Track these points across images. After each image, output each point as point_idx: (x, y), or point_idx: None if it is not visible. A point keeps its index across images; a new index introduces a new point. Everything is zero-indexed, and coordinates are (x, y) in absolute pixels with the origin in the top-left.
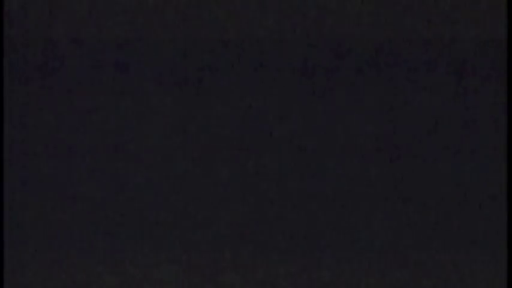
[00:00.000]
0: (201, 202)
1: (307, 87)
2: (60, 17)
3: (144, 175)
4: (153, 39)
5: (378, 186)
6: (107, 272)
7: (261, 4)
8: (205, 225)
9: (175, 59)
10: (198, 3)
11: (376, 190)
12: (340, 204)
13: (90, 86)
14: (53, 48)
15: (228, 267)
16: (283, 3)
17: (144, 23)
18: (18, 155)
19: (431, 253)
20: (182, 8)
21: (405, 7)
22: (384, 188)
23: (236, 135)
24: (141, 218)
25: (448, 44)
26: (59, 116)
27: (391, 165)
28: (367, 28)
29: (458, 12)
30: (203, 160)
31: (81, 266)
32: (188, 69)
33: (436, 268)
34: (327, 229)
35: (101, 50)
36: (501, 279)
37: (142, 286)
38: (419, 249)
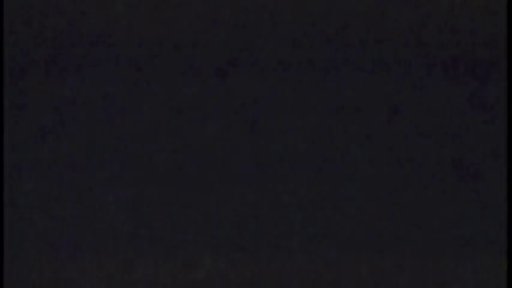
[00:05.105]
0: (201, 202)
1: (307, 87)
2: (60, 16)
3: (144, 175)
4: (153, 39)
5: (377, 186)
6: (108, 272)
7: (261, 4)
8: (206, 225)
9: (176, 59)
10: (199, 3)
11: (375, 191)
12: (339, 204)
13: (91, 86)
14: (53, 47)
15: (227, 267)
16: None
17: (144, 23)
18: (18, 155)
19: (431, 253)
20: (182, 8)
21: (404, 7)
22: (382, 189)
23: (235, 134)
24: (141, 219)
25: (448, 44)
26: (59, 115)
27: (389, 166)
28: (366, 27)
29: (458, 12)
30: (203, 159)
31: (81, 266)
32: (189, 70)
33: (436, 268)
34: (325, 230)
35: (102, 50)
36: (501, 280)
37: (143, 286)
38: (419, 250)
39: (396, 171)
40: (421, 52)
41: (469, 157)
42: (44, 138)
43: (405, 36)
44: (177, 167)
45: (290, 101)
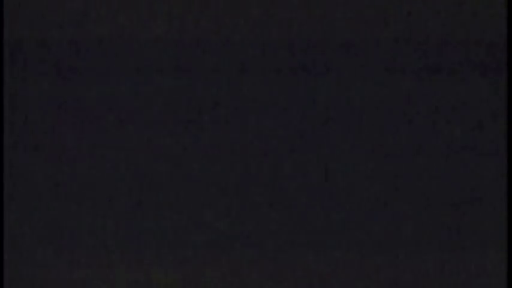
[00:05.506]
0: (200, 202)
1: (306, 87)
2: (60, 17)
3: (144, 175)
4: (154, 39)
5: (377, 186)
6: (108, 272)
7: (261, 5)
8: (205, 225)
9: (176, 59)
10: (200, 3)
11: (375, 190)
12: (339, 203)
13: (91, 86)
14: (53, 48)
15: (227, 268)
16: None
17: (144, 23)
18: (18, 155)
19: (431, 253)
20: (182, 8)
21: (405, 7)
22: (383, 188)
23: (235, 134)
24: (141, 219)
25: (448, 44)
26: (60, 116)
27: (390, 165)
28: (366, 28)
29: (458, 13)
30: (202, 159)
31: (81, 266)
32: (189, 70)
33: (436, 268)
34: (326, 229)
35: (101, 50)
36: (501, 279)
37: (143, 286)
38: (419, 249)
39: (396, 172)
40: (421, 52)
41: (469, 156)
42: (44, 138)
43: (405, 37)
44: (177, 166)
45: (290, 102)
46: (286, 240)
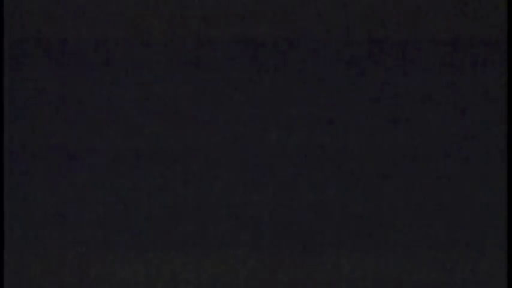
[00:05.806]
0: (200, 201)
1: (306, 88)
2: (60, 17)
3: (144, 175)
4: (152, 39)
5: (377, 186)
6: (108, 272)
7: (261, 4)
8: (204, 225)
9: (176, 59)
10: (199, 3)
11: (375, 190)
12: (339, 204)
13: (91, 86)
14: (53, 48)
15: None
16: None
17: (143, 23)
18: (18, 155)
19: (431, 253)
20: (182, 8)
21: (405, 7)
22: (382, 189)
23: (235, 134)
24: (141, 218)
25: (448, 44)
26: (59, 116)
27: (390, 166)
28: (366, 28)
29: (458, 12)
30: (202, 160)
31: (81, 265)
32: (188, 69)
33: (436, 268)
34: (327, 230)
35: (101, 50)
36: (501, 279)
37: (143, 285)
38: (419, 249)
39: (395, 172)
40: (421, 52)
41: (469, 157)
42: (44, 138)
43: (405, 37)
44: (176, 166)
45: (292, 102)
46: (286, 240)
